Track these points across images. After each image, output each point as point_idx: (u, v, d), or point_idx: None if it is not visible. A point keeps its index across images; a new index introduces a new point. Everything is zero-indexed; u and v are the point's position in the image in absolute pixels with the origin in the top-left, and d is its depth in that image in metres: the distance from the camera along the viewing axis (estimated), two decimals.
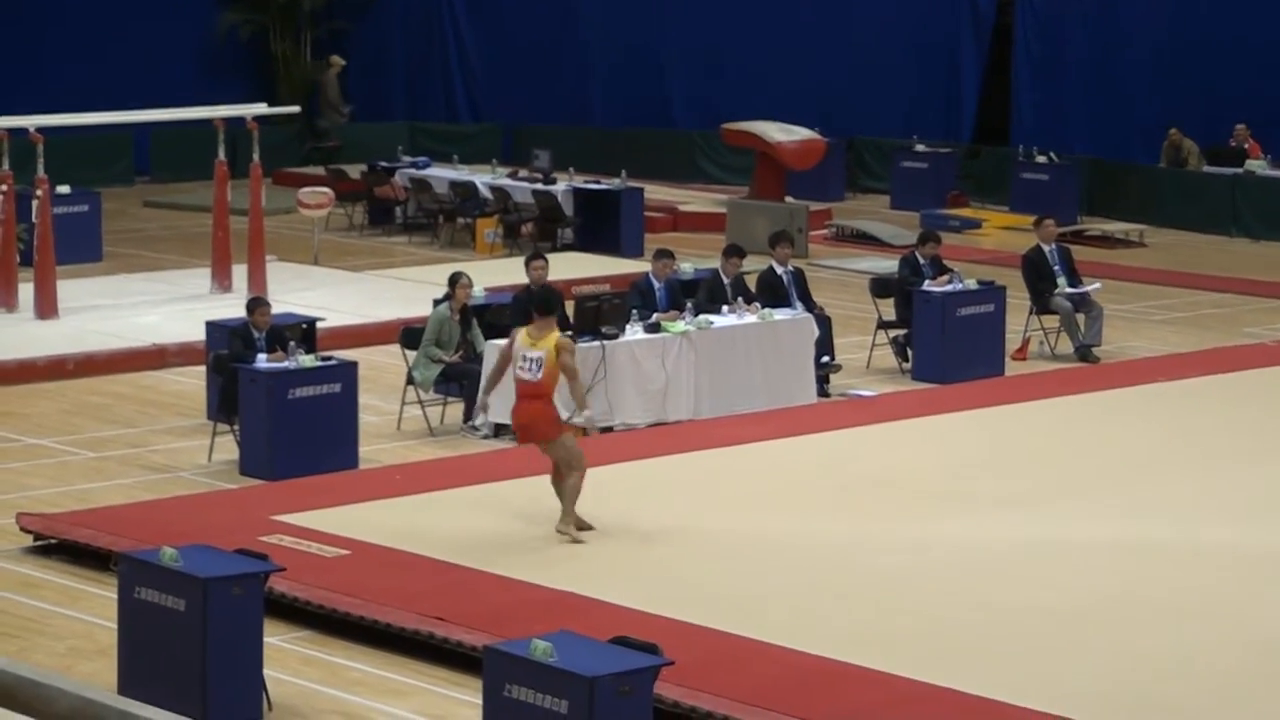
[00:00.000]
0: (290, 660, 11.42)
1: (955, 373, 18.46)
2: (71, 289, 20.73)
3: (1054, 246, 20.17)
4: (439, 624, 11.59)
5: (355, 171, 27.74)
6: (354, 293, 21.56)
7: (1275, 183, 27.45)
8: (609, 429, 16.30)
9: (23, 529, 13.51)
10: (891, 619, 11.88)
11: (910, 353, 18.97)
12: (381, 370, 18.10)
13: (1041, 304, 19.88)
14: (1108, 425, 16.87)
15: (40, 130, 20.26)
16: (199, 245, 23.29)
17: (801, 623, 11.70)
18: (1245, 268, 25.20)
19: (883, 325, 19.25)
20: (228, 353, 15.70)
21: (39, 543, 13.43)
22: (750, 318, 17.46)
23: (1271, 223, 27.23)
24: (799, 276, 18.48)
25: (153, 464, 15.53)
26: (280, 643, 11.56)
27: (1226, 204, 27.62)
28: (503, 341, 14.39)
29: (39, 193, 20.18)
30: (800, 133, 26.91)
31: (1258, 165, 27.86)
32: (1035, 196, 27.29)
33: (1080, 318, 19.73)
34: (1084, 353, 19.59)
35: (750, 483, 14.83)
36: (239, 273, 21.30)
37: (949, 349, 18.64)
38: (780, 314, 17.64)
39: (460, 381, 16.43)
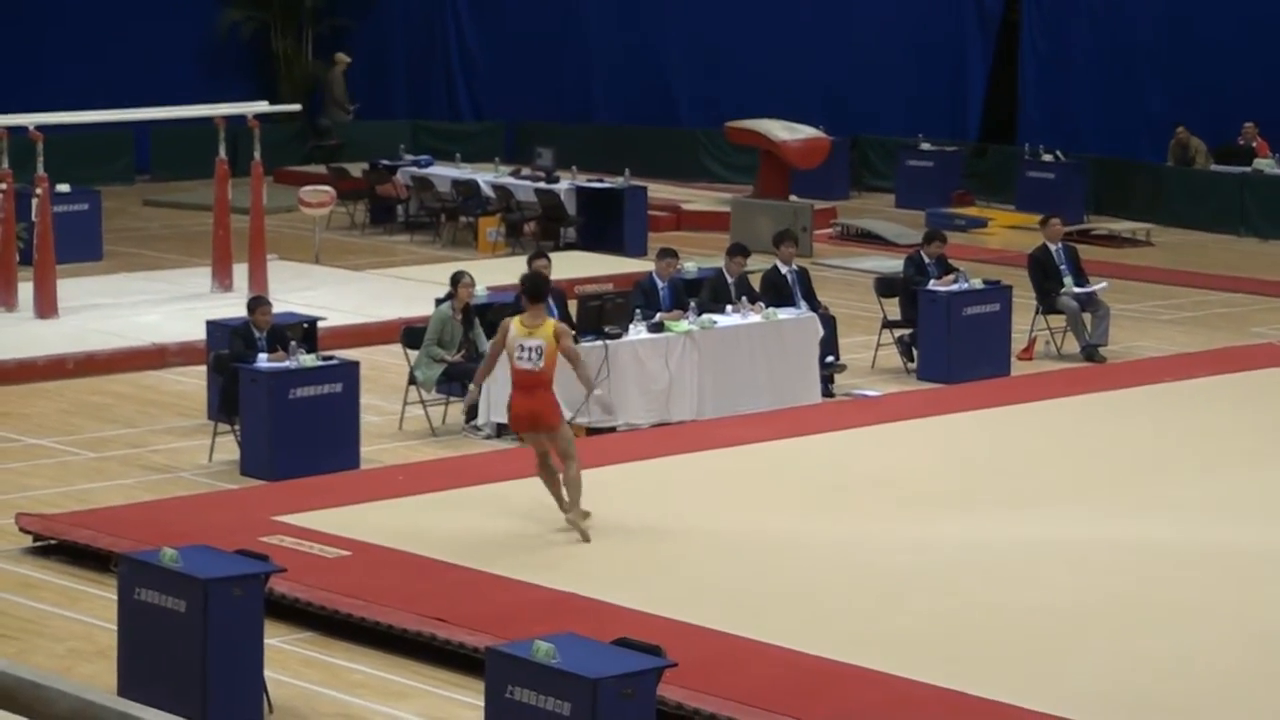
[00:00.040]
0: (291, 662, 11.39)
1: (961, 373, 18.42)
2: (71, 288, 20.69)
3: (1060, 245, 20.15)
4: (441, 625, 11.56)
5: (357, 170, 27.73)
6: (355, 292, 21.53)
7: None
8: (612, 429, 16.23)
9: (22, 529, 13.48)
10: (893, 619, 11.87)
11: (915, 352, 18.93)
12: (383, 370, 18.07)
13: (1048, 303, 19.85)
14: (1114, 426, 16.83)
15: (40, 128, 20.22)
16: (199, 244, 23.26)
17: (804, 623, 11.68)
18: (1253, 267, 25.14)
19: (888, 325, 19.23)
20: (228, 352, 15.66)
21: (38, 543, 13.40)
22: (754, 317, 17.43)
23: None
24: (803, 276, 18.45)
25: (153, 464, 15.51)
26: (281, 644, 11.54)
27: (1234, 203, 27.56)
28: None
29: (39, 191, 20.14)
30: (805, 131, 26.88)
31: (1266, 164, 27.80)
32: (1041, 195, 27.21)
33: (1087, 317, 19.70)
34: (1090, 353, 19.55)
35: (754, 483, 14.79)
36: (240, 272, 21.27)
37: (954, 349, 18.60)
38: (785, 313, 17.60)
39: (463, 381, 16.35)
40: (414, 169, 26.90)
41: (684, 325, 16.91)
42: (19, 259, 20.48)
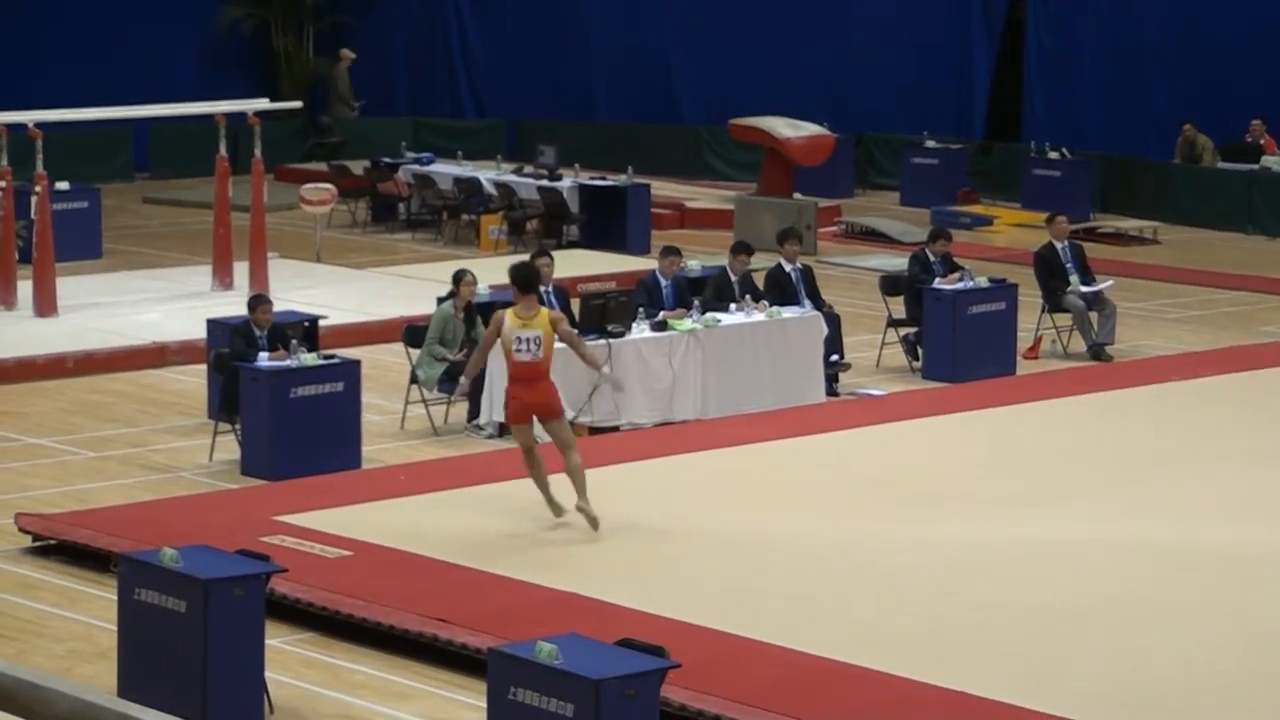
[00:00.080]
0: (292, 662, 11.37)
1: (966, 372, 18.39)
2: (71, 286, 20.67)
3: (1067, 244, 20.11)
4: (443, 626, 11.55)
5: (358, 167, 27.72)
6: (357, 290, 21.51)
7: None
8: (615, 428, 16.19)
9: (21, 529, 13.47)
10: (895, 619, 11.87)
11: (920, 351, 18.90)
12: (385, 369, 18.04)
13: (1054, 302, 19.82)
14: (1120, 425, 16.80)
15: (39, 126, 20.19)
16: (200, 242, 23.24)
17: (806, 623, 11.68)
18: (1261, 265, 25.10)
19: (893, 323, 19.21)
20: (229, 351, 15.63)
21: (38, 543, 13.38)
22: (758, 316, 17.39)
23: None
24: (808, 274, 18.41)
25: (153, 464, 15.49)
26: (282, 645, 11.52)
27: (1242, 201, 27.51)
28: None
29: (38, 189, 20.11)
30: (809, 128, 26.91)
31: (1274, 161, 27.76)
32: (1047, 193, 27.11)
33: (1093, 316, 19.67)
34: (1097, 351, 19.51)
35: (757, 483, 14.78)
36: (240, 270, 21.24)
37: (960, 347, 18.57)
38: (789, 312, 17.57)
39: (476, 384, 16.31)
40: (416, 166, 26.87)
41: (687, 324, 16.88)
42: (18, 257, 20.45)
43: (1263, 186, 27.47)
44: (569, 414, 13.94)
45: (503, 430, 16.01)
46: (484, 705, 9.69)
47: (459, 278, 16.78)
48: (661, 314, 17.00)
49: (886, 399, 17.73)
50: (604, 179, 25.91)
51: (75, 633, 11.86)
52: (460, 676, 11.12)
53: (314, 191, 24.27)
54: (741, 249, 18.10)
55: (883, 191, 30.23)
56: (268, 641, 10.64)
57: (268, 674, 10.55)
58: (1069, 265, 19.87)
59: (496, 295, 17.82)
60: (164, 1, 31.41)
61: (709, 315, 17.08)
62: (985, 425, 16.70)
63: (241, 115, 21.80)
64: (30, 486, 14.73)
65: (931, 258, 19.19)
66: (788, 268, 18.19)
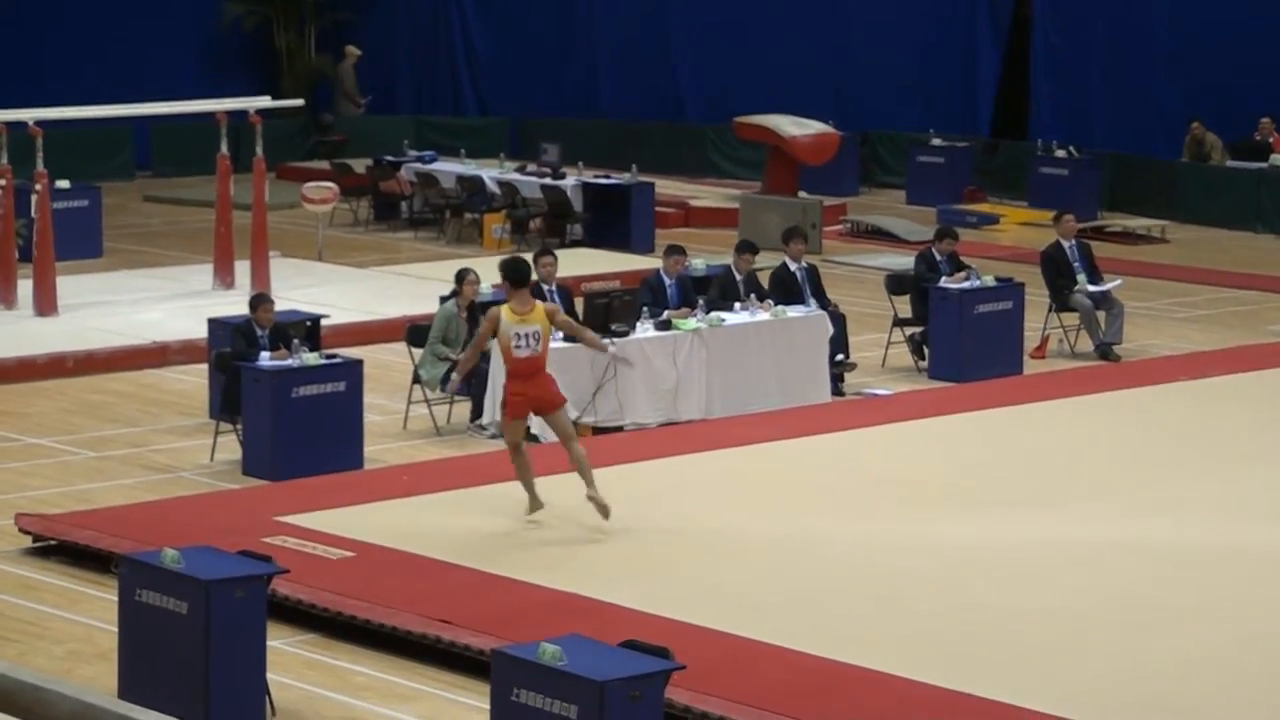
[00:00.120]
0: (294, 664, 11.36)
1: (972, 371, 18.34)
2: (71, 285, 20.64)
3: (1074, 242, 20.05)
4: (446, 627, 11.54)
5: (360, 166, 27.69)
6: (359, 289, 21.48)
7: None
8: (619, 429, 16.17)
9: (22, 530, 13.46)
10: (900, 620, 11.87)
11: (927, 351, 18.87)
12: (387, 369, 18.00)
13: (1061, 301, 19.76)
14: (1128, 425, 16.78)
15: (39, 124, 20.16)
16: (201, 241, 23.22)
17: (810, 625, 11.68)
18: (1269, 264, 25.03)
19: (898, 323, 19.17)
20: (230, 350, 15.62)
21: (38, 544, 13.38)
22: (763, 315, 17.35)
23: None
24: (813, 273, 18.38)
25: (154, 464, 15.48)
26: (284, 646, 11.50)
27: (1250, 199, 27.44)
28: None
29: (38, 187, 20.07)
30: (814, 126, 26.89)
31: None
32: (1054, 191, 27.05)
33: (1101, 315, 19.61)
34: (1104, 351, 19.46)
35: (762, 484, 14.75)
36: (242, 269, 21.21)
37: (966, 347, 18.52)
38: (794, 311, 17.55)
39: (468, 380, 16.26)
40: (418, 165, 26.84)
41: (692, 323, 16.84)
42: (18, 256, 20.42)
43: (1271, 185, 27.40)
44: (573, 414, 13.89)
45: None
46: (487, 707, 9.66)
47: (462, 277, 16.73)
48: (666, 313, 16.95)
49: (892, 399, 17.69)
50: (608, 177, 25.86)
51: (76, 634, 11.85)
52: (463, 678, 11.11)
53: (316, 190, 24.25)
54: (746, 248, 18.04)
55: (888, 190, 30.18)
56: (269, 643, 10.63)
57: (269, 675, 10.56)
58: (1076, 264, 19.82)
59: (500, 294, 17.71)
60: None
61: (713, 315, 17.04)
62: (991, 425, 16.67)
63: (243, 113, 21.79)
64: (31, 487, 14.73)
65: (938, 256, 19.15)
66: (793, 267, 18.15)
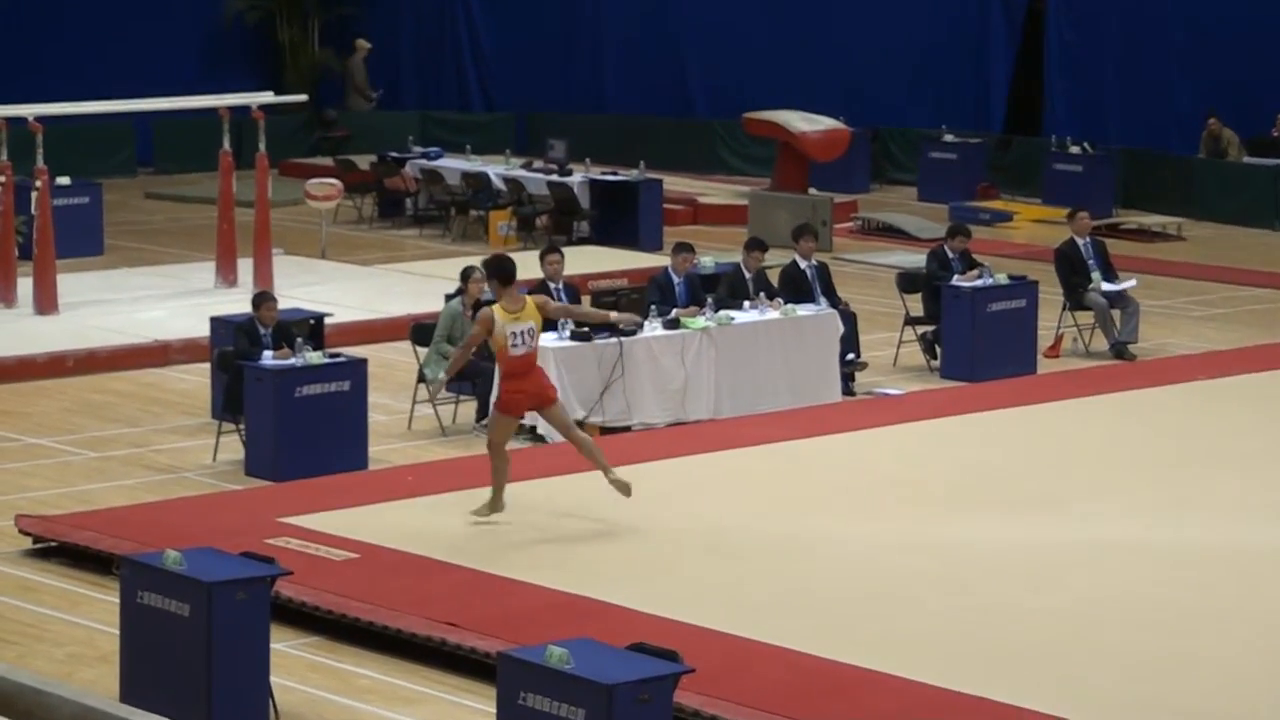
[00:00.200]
0: (297, 667, 11.33)
1: (985, 371, 18.27)
2: (72, 283, 20.62)
3: (1088, 240, 19.97)
4: (451, 630, 11.51)
5: (364, 162, 27.68)
6: (363, 287, 21.45)
7: None
8: (627, 428, 16.09)
9: (22, 531, 13.44)
10: (908, 622, 11.87)
11: (939, 350, 18.80)
12: (391, 368, 17.98)
13: (1075, 299, 19.68)
14: (1143, 426, 16.72)
15: (40, 119, 20.16)
16: (203, 238, 23.20)
17: (818, 627, 11.68)
18: None
19: (910, 321, 19.11)
20: (233, 349, 15.59)
21: (38, 545, 13.36)
22: (773, 313, 17.27)
23: None
24: (823, 271, 18.30)
25: (156, 464, 15.45)
26: (287, 649, 11.48)
27: (1268, 196, 27.34)
28: None
29: (38, 184, 20.05)
30: (824, 122, 26.85)
31: None
32: (1068, 188, 26.95)
33: (1116, 314, 19.52)
34: (1119, 350, 19.37)
35: (772, 484, 14.72)
36: (244, 267, 21.16)
37: (979, 346, 18.45)
38: (804, 310, 17.48)
39: (473, 379, 16.32)
40: (423, 161, 26.77)
41: (700, 322, 16.78)
42: (18, 253, 20.39)
43: None
44: (579, 414, 13.80)
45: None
46: (494, 711, 9.63)
47: (467, 274, 16.65)
48: (674, 311, 16.89)
49: (904, 398, 17.63)
50: (615, 174, 25.78)
51: (76, 636, 11.83)
52: (469, 681, 11.08)
53: (319, 187, 24.20)
54: (756, 245, 17.98)
55: (900, 187, 30.12)
56: (272, 645, 10.62)
57: (273, 679, 10.54)
58: (1091, 262, 19.74)
59: None
60: None
61: (722, 313, 16.97)
62: (1004, 426, 16.61)
63: (245, 109, 21.75)
64: (31, 487, 14.71)
65: (950, 254, 19.09)
66: (803, 264, 18.08)
